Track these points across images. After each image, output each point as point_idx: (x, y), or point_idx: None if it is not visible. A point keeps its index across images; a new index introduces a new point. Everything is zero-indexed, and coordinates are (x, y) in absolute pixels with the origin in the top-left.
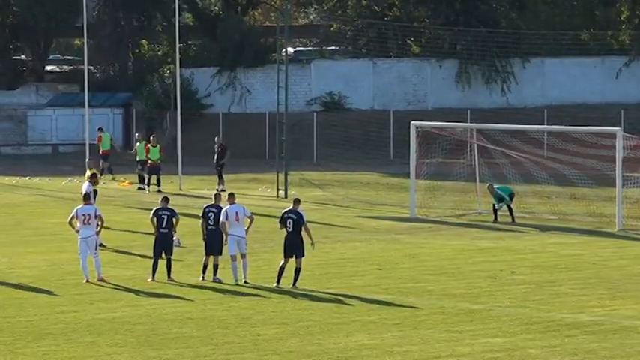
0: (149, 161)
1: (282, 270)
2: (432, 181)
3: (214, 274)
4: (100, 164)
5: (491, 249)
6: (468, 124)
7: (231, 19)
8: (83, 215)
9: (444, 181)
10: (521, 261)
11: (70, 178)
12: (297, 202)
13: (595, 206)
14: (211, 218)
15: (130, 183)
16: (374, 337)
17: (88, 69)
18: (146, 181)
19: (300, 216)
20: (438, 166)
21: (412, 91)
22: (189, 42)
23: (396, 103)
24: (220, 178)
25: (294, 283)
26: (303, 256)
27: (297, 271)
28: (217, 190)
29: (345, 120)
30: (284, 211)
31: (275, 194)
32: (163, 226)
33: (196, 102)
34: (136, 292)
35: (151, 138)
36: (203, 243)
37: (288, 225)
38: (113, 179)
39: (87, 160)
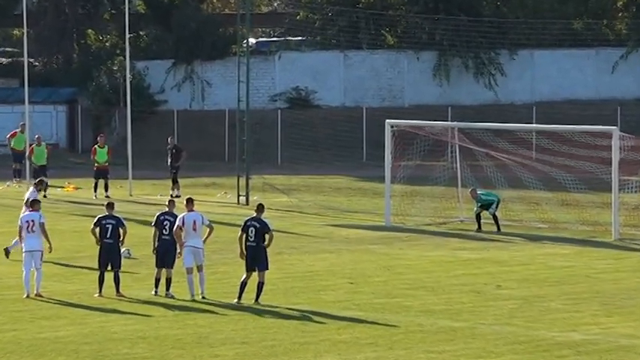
0: (96, 164)
1: (244, 285)
2: (409, 185)
3: (167, 289)
4: (13, 166)
5: (475, 261)
6: (449, 122)
7: (186, 7)
8: (27, 222)
9: (422, 185)
10: (507, 274)
11: (8, 183)
12: (260, 208)
13: (589, 213)
14: (167, 227)
15: (75, 187)
16: (345, 358)
17: (28, 62)
18: (93, 185)
19: (264, 225)
20: (415, 168)
21: (387, 86)
22: (141, 32)
23: (369, 99)
24: (175, 182)
25: (256, 299)
26: (266, 269)
27: (260, 285)
28: (172, 195)
29: (313, 118)
30: (246, 218)
31: (236, 200)
32: (108, 236)
33: (149, 98)
34: (82, 308)
35: (99, 138)
36: (154, 255)
37: (250, 234)
38: (19, 185)
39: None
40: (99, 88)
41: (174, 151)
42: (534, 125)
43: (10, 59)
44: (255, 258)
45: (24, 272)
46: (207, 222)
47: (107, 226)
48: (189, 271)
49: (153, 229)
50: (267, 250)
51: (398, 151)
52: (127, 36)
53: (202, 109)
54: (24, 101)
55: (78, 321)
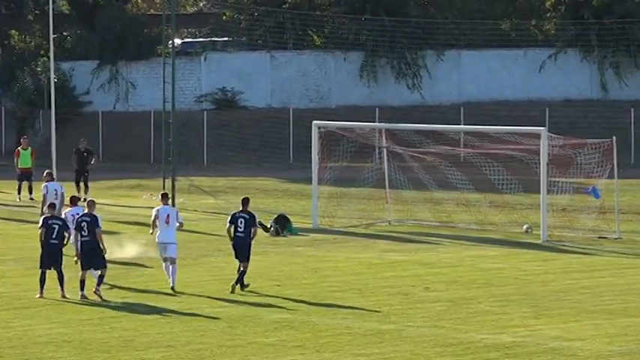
0: (19, 167)
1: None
2: (337, 187)
3: (97, 285)
4: None
5: (403, 262)
6: (377, 123)
7: (111, 7)
8: None
9: (350, 187)
10: (435, 276)
11: None
12: (246, 202)
13: (518, 214)
14: (84, 228)
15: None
16: None
17: None
18: (17, 188)
19: (253, 217)
20: (343, 170)
21: (314, 86)
22: (65, 33)
23: (296, 100)
24: (86, 185)
25: (240, 285)
26: (248, 261)
27: (242, 274)
28: (84, 199)
29: (239, 119)
30: (234, 212)
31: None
32: (54, 236)
33: (74, 99)
34: (6, 311)
35: (22, 140)
36: (76, 258)
37: (239, 225)
38: None
39: None
40: (23, 89)
41: (85, 153)
42: (462, 126)
43: None
44: (243, 248)
45: None
46: (182, 220)
47: (54, 226)
48: (165, 259)
49: (73, 232)
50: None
51: (325, 153)
52: (51, 36)
53: (127, 111)
54: None
55: (2, 324)
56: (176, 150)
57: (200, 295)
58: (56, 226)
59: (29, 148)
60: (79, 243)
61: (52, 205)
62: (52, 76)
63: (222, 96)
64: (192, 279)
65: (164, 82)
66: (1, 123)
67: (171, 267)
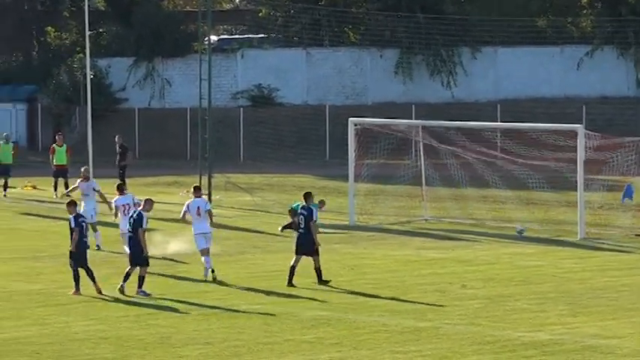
0: (55, 163)
1: (293, 269)
2: (373, 184)
3: (139, 287)
4: None
5: (440, 260)
6: (413, 120)
7: (147, 4)
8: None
9: (387, 184)
10: (472, 273)
11: None
12: (308, 196)
13: (555, 212)
14: (131, 225)
15: (33, 187)
16: (309, 359)
17: None
18: (53, 184)
19: (310, 212)
20: (379, 167)
21: (350, 83)
22: (101, 29)
23: (333, 97)
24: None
25: (320, 281)
26: (317, 254)
27: (318, 270)
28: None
29: (276, 116)
30: (295, 204)
31: None
32: (85, 234)
33: (110, 96)
34: (44, 308)
35: (57, 137)
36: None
37: (300, 222)
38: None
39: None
40: (59, 85)
41: (120, 150)
42: (499, 124)
43: None
44: (305, 243)
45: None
46: (209, 208)
47: (83, 224)
48: (204, 252)
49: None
50: (316, 236)
51: (361, 150)
52: (87, 33)
53: (163, 107)
54: None
55: (39, 321)
56: (212, 147)
57: (237, 292)
58: (84, 224)
59: (64, 145)
60: (127, 237)
61: (73, 203)
62: (89, 72)
63: (259, 93)
64: (228, 276)
65: (200, 79)
66: (38, 120)
67: (206, 257)
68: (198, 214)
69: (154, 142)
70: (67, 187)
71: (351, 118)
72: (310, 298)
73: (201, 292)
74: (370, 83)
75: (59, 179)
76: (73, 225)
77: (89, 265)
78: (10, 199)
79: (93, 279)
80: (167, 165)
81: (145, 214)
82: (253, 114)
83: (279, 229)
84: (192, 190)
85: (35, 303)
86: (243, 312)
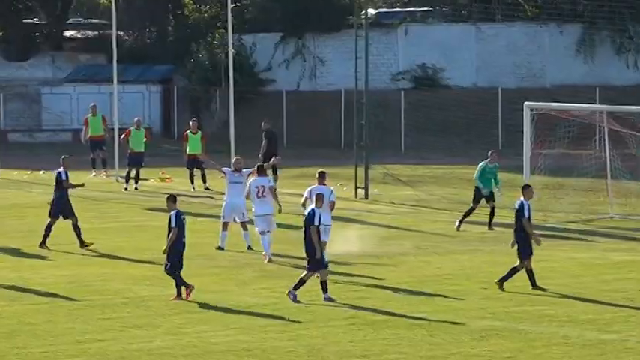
0: (187, 152)
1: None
2: (551, 177)
3: (324, 292)
4: (91, 155)
5: (628, 263)
6: (597, 105)
7: None
8: (257, 188)
9: (566, 177)
10: None
11: (94, 172)
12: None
13: None
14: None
15: (169, 179)
16: None
17: (117, 35)
18: (188, 176)
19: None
20: (558, 158)
21: (526, 63)
22: (245, 2)
23: (505, 78)
24: (275, 172)
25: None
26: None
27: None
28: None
29: (441, 99)
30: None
31: (353, 193)
32: (185, 234)
33: (254, 77)
34: (179, 315)
35: (191, 123)
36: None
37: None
38: (105, 174)
39: None
40: (197, 65)
41: (268, 136)
42: None
43: (96, 32)
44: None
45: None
46: (333, 199)
47: (184, 222)
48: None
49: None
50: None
51: (538, 138)
52: (230, 6)
53: (315, 90)
54: (112, 80)
55: (174, 330)
56: (369, 134)
57: (397, 299)
58: (185, 222)
59: (199, 132)
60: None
61: (173, 198)
62: (231, 50)
63: (422, 73)
64: (388, 280)
65: (356, 58)
66: (173, 103)
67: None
68: (262, 195)
69: (304, 129)
70: (204, 179)
71: (526, 102)
72: (479, 307)
73: (357, 298)
74: (548, 63)
75: (194, 170)
76: (173, 224)
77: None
78: (141, 193)
79: (178, 288)
80: (318, 154)
81: (317, 210)
82: (416, 97)
83: (456, 225)
84: (317, 175)
85: (169, 310)
86: (404, 321)
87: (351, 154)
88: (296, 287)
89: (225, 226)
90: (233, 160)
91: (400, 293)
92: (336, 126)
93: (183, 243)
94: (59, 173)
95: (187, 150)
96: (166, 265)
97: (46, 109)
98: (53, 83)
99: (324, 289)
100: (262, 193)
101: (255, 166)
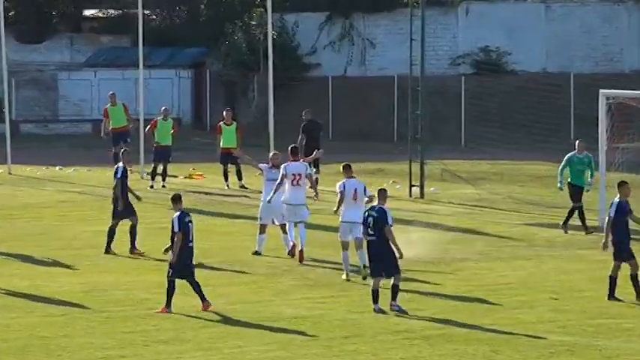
0: (221, 146)
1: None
2: (630, 174)
3: (393, 299)
4: (113, 149)
5: None
6: None
7: None
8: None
9: None
10: None
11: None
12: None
13: None
14: (371, 224)
15: (200, 175)
16: None
17: (144, 14)
18: (222, 173)
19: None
20: (638, 153)
21: (601, 46)
22: None
23: (579, 62)
24: (316, 166)
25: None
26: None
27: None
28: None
29: (507, 87)
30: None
31: (407, 192)
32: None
33: (296, 60)
34: (210, 329)
35: (225, 113)
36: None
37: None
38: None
39: None
40: (233, 47)
41: (310, 128)
42: None
43: (120, 11)
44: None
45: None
46: (370, 193)
47: (189, 225)
48: (345, 246)
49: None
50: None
51: (616, 130)
52: None
53: (364, 75)
54: (137, 64)
55: (205, 345)
56: (426, 125)
57: (454, 310)
58: (191, 225)
59: (234, 123)
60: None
61: (177, 199)
62: (270, 31)
63: (485, 57)
64: (445, 289)
65: (411, 40)
66: (206, 91)
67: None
68: (354, 199)
69: (352, 119)
70: (239, 175)
71: (602, 90)
72: (548, 320)
73: (411, 309)
74: (627, 46)
75: (228, 166)
76: (176, 228)
77: (195, 277)
78: (168, 191)
79: (201, 295)
80: (368, 148)
81: (387, 208)
82: (478, 84)
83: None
84: (342, 168)
85: (199, 323)
86: (464, 335)
87: (405, 148)
88: (394, 297)
89: (262, 228)
90: (270, 155)
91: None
92: (388, 116)
93: (191, 248)
94: (117, 169)
95: (221, 143)
96: (169, 273)
97: (63, 97)
98: (71, 68)
99: (394, 296)
100: (298, 182)
101: (289, 149)
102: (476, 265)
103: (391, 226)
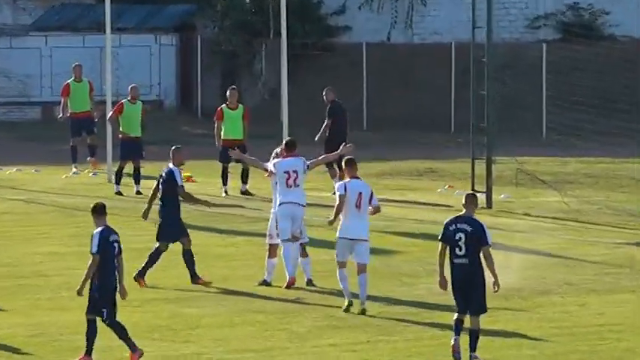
0: (223, 137)
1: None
2: None
3: (472, 350)
4: (71, 141)
5: None
6: None
7: None
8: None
9: None
10: None
11: (75, 169)
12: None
13: None
14: (460, 243)
15: (190, 178)
16: None
17: None
18: (220, 174)
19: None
20: None
21: None
22: None
23: None
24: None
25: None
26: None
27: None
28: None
29: (603, 57)
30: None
31: None
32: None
33: (320, 23)
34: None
35: (229, 93)
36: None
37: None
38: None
39: None
40: (232, 4)
41: (335, 112)
42: None
43: None
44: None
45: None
46: (376, 203)
47: (114, 245)
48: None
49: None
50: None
51: None
52: None
53: (411, 42)
54: (103, 27)
55: None
56: (494, 110)
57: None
58: (116, 246)
59: (240, 106)
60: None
61: (99, 210)
62: None
63: (574, 18)
64: (522, 332)
65: None
66: (196, 63)
67: (360, 277)
68: (357, 206)
69: (394, 102)
70: (245, 177)
71: None
72: None
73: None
74: None
75: (229, 164)
76: (94, 248)
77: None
78: (143, 199)
79: (125, 339)
80: (415, 140)
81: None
82: (564, 53)
83: None
84: (344, 164)
85: None
86: None
87: (466, 141)
88: (474, 346)
89: (272, 250)
90: (279, 149)
91: None
92: (443, 97)
93: (115, 279)
94: (170, 172)
95: (222, 134)
96: (102, 314)
97: (2, 71)
98: (13, 32)
99: (473, 346)
100: (294, 181)
101: (284, 143)
102: (562, 299)
103: (490, 246)
